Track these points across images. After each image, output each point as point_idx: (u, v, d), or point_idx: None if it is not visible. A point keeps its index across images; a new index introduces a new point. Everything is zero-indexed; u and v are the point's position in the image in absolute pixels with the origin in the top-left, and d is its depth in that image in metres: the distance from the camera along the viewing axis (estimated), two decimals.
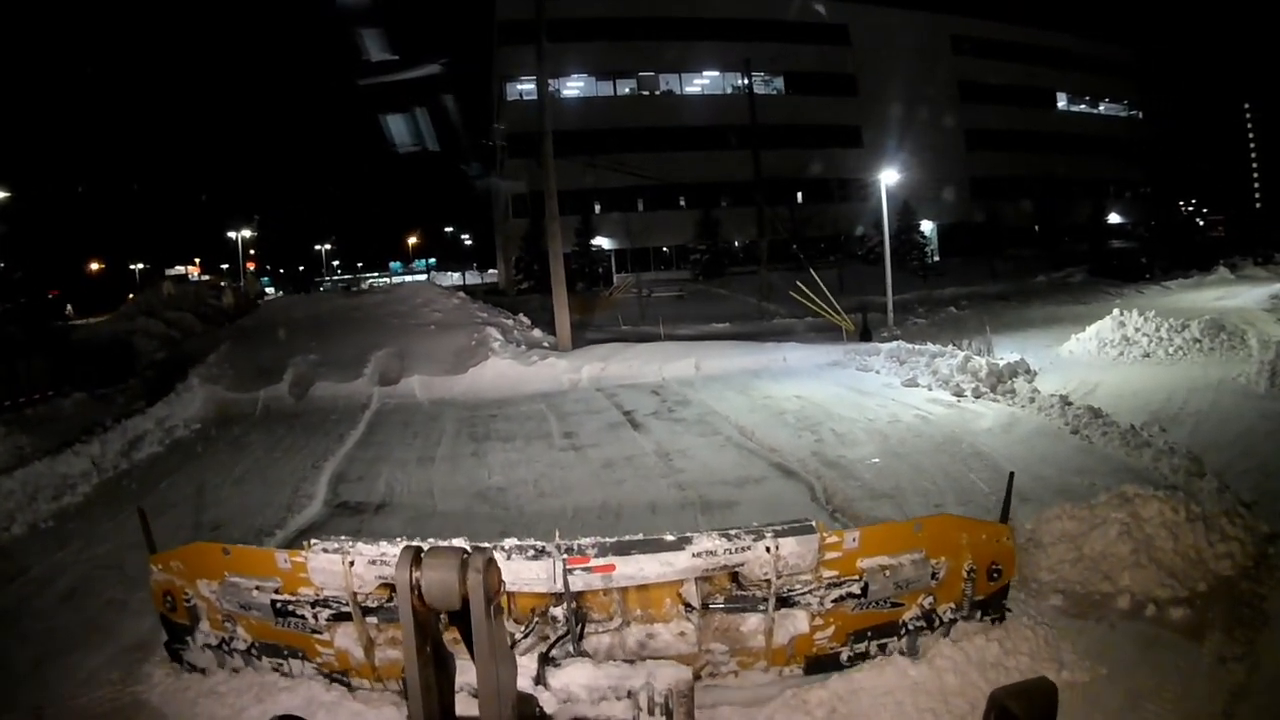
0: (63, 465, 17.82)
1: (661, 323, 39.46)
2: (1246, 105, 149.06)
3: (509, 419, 21.90)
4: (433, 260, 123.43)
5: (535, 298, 48.78)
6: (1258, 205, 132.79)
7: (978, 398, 19.81)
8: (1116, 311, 27.08)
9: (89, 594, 11.08)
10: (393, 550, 7.20)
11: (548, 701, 4.73)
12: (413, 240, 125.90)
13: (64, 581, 11.61)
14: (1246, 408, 17.45)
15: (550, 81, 72.20)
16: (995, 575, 7.46)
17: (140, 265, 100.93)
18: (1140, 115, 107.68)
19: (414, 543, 4.35)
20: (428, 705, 2.47)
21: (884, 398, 20.78)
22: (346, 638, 7.58)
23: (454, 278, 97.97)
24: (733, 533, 7.07)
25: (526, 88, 73.73)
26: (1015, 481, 10.26)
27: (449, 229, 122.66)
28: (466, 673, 2.54)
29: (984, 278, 60.78)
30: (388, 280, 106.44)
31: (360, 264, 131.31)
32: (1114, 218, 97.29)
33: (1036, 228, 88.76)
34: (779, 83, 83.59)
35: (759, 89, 76.52)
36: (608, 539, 7.28)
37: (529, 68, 65.80)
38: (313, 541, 7.64)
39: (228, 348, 31.82)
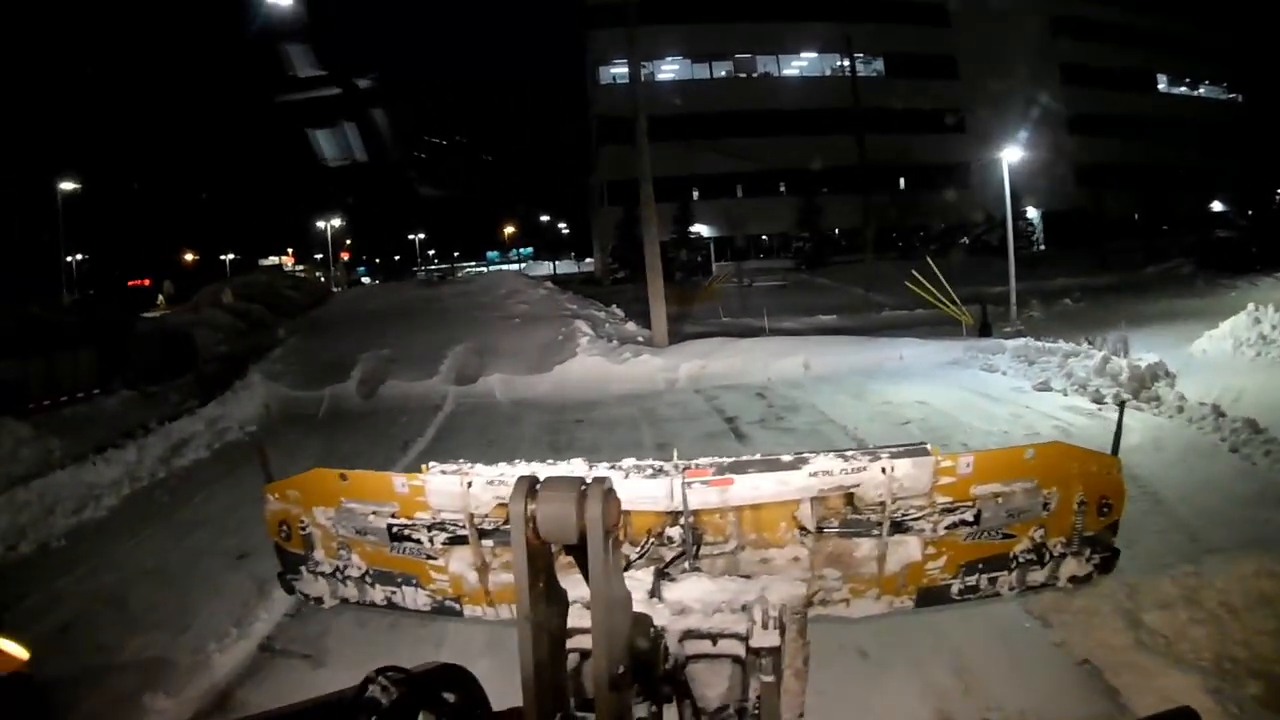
0: (90, 473, 16.97)
1: (765, 315, 38.28)
2: None
3: (595, 425, 20.88)
4: (529, 249, 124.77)
5: (630, 288, 47.76)
6: None
7: (1119, 404, 17.54)
8: (1251, 307, 24.97)
9: (79, 637, 10.28)
10: (511, 471, 6.83)
11: (661, 613, 4.17)
12: (509, 229, 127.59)
13: (56, 616, 10.82)
14: None
15: (644, 64, 72.35)
16: (1105, 510, 6.70)
17: (231, 255, 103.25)
18: (1239, 99, 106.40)
19: (529, 471, 5.33)
20: (537, 640, 2.47)
21: (1016, 404, 19.07)
22: (461, 562, 7.15)
23: (549, 266, 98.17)
24: (849, 453, 6.50)
25: (619, 70, 73.59)
26: (1180, 516, 10.50)
27: (546, 217, 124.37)
28: (584, 588, 2.49)
29: (1091, 268, 59.09)
30: (484, 269, 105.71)
31: (456, 253, 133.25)
32: (1218, 205, 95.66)
33: (1136, 216, 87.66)
34: (878, 64, 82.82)
35: (860, 70, 76.95)
36: (725, 459, 6.73)
37: (621, 50, 65.85)
38: (431, 464, 7.07)
39: (295, 341, 31.43)
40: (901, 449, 6.60)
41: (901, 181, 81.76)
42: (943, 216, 78.11)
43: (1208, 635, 7.95)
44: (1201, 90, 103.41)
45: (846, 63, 77.90)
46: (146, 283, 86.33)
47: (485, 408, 23.44)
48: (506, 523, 6.18)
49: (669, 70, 77.85)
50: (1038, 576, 6.77)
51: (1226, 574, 8.71)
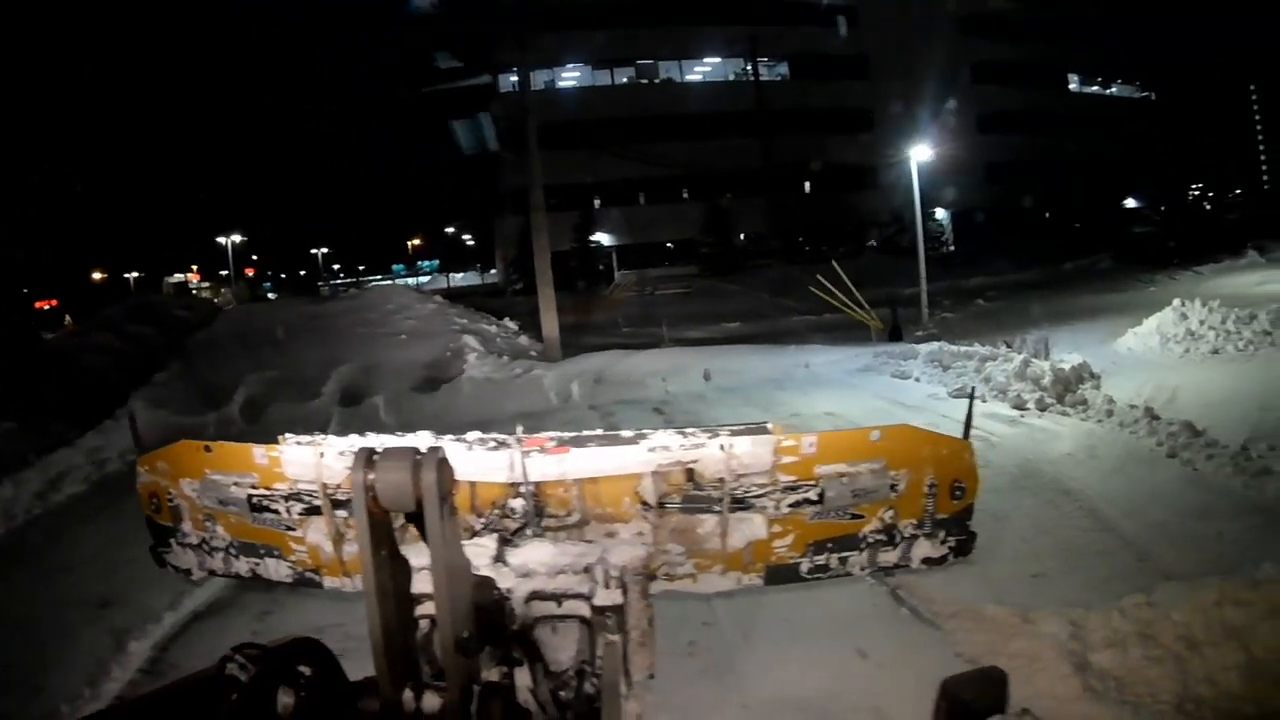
0: None
1: (666, 324, 37.84)
2: (1252, 86, 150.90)
3: None
4: (434, 262, 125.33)
5: (527, 300, 45.81)
6: (1265, 187, 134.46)
7: (1043, 410, 17.21)
8: (1177, 302, 24.65)
9: None
10: (362, 442, 6.50)
11: (506, 577, 4.26)
12: (415, 242, 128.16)
13: None
14: None
15: (545, 71, 72.68)
16: (958, 493, 6.94)
17: (136, 274, 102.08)
18: (1151, 96, 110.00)
19: (368, 443, 5.93)
20: (384, 608, 2.53)
21: (933, 412, 17.66)
22: (318, 532, 6.95)
23: (456, 278, 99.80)
24: (689, 431, 6.62)
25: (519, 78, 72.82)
26: (1126, 533, 10.35)
27: (450, 229, 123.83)
28: (428, 557, 2.57)
29: (1007, 266, 59.88)
30: (390, 283, 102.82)
31: (362, 267, 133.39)
32: (1130, 202, 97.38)
33: (1047, 214, 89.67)
34: (783, 67, 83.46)
35: (764, 74, 78.60)
36: (566, 434, 6.75)
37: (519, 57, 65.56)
38: (288, 435, 6.93)
39: (180, 364, 30.54)
40: (742, 426, 6.84)
41: (809, 184, 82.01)
42: (852, 218, 79.09)
43: (1166, 675, 7.24)
44: (1114, 89, 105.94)
45: (751, 65, 79.33)
46: (54, 303, 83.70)
47: (371, 430, 21.60)
48: None
49: (570, 77, 78.22)
50: (890, 557, 7.02)
51: (1184, 603, 7.76)
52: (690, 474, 6.46)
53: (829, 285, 33.07)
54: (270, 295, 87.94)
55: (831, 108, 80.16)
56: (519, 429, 6.47)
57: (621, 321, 42.61)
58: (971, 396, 7.43)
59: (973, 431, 14.67)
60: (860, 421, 17.19)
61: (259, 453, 6.92)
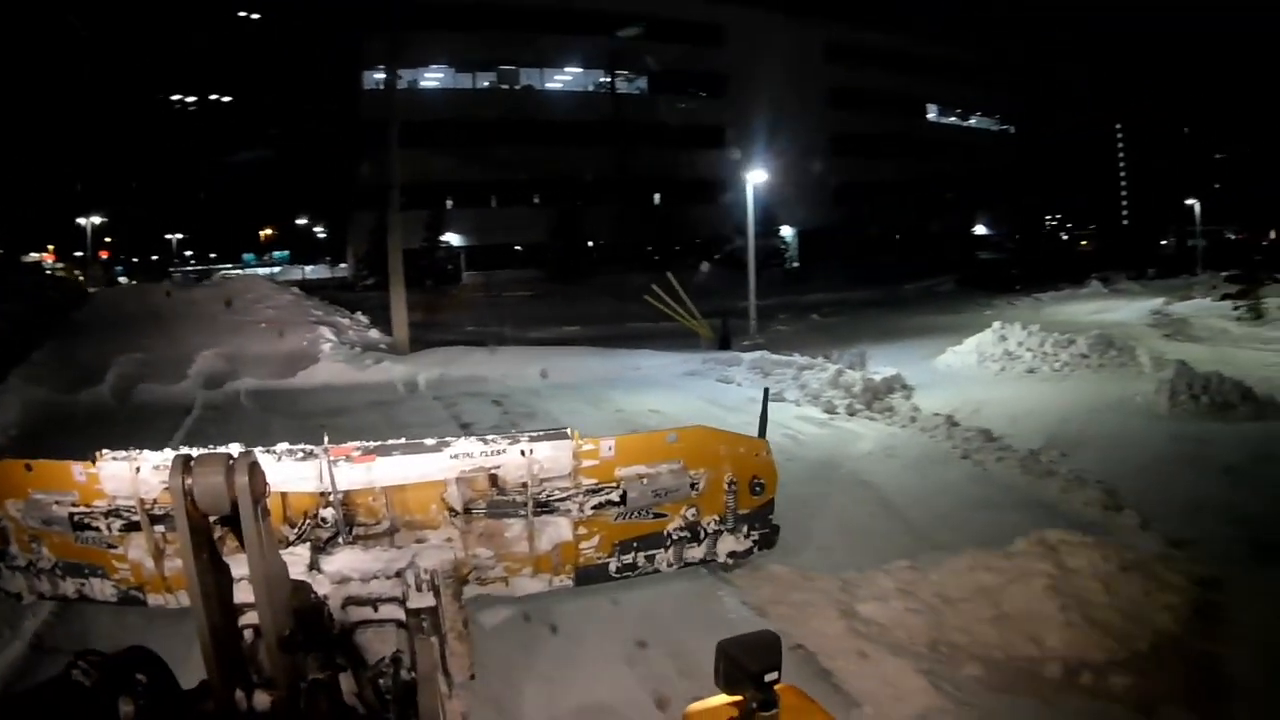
0: None
1: (510, 325, 39.20)
2: (1119, 125, 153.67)
3: (339, 430, 19.22)
4: (287, 253, 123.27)
5: (378, 295, 46.82)
6: (1125, 222, 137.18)
7: (852, 415, 18.75)
8: (997, 324, 26.44)
9: None
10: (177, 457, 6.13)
11: (322, 584, 4.64)
12: (267, 232, 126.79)
13: None
14: (1153, 430, 16.57)
15: (408, 71, 72.23)
16: (758, 489, 7.85)
17: None
18: (1011, 130, 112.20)
19: (183, 451, 5.33)
20: (209, 609, 2.66)
21: (749, 414, 18.19)
22: (138, 549, 7.50)
23: (307, 270, 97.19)
24: (490, 438, 7.33)
25: (382, 76, 72.51)
26: (910, 518, 11.16)
27: (302, 220, 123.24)
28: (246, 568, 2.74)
29: (850, 284, 60.78)
30: (240, 272, 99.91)
31: (213, 255, 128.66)
32: (981, 229, 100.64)
33: (897, 236, 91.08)
34: (643, 82, 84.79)
35: (624, 86, 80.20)
36: (371, 442, 7.32)
37: (384, 56, 65.53)
38: (104, 450, 7.37)
39: (54, 344, 30.76)
40: (541, 432, 7.45)
41: (660, 196, 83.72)
42: (700, 231, 79.63)
43: (923, 623, 8.27)
44: (973, 120, 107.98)
45: (611, 78, 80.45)
46: None
47: (233, 412, 22.78)
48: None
49: (433, 78, 78.09)
50: (695, 553, 7.82)
51: (942, 567, 9.05)
52: (494, 479, 7.26)
53: (663, 295, 34.24)
54: (121, 279, 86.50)
55: (686, 124, 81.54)
56: (325, 438, 7.05)
57: (467, 320, 43.30)
58: (766, 397, 8.71)
59: (783, 430, 16.64)
60: (682, 418, 18.41)
61: (78, 469, 7.50)
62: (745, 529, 7.91)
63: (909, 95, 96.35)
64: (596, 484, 7.35)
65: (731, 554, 7.91)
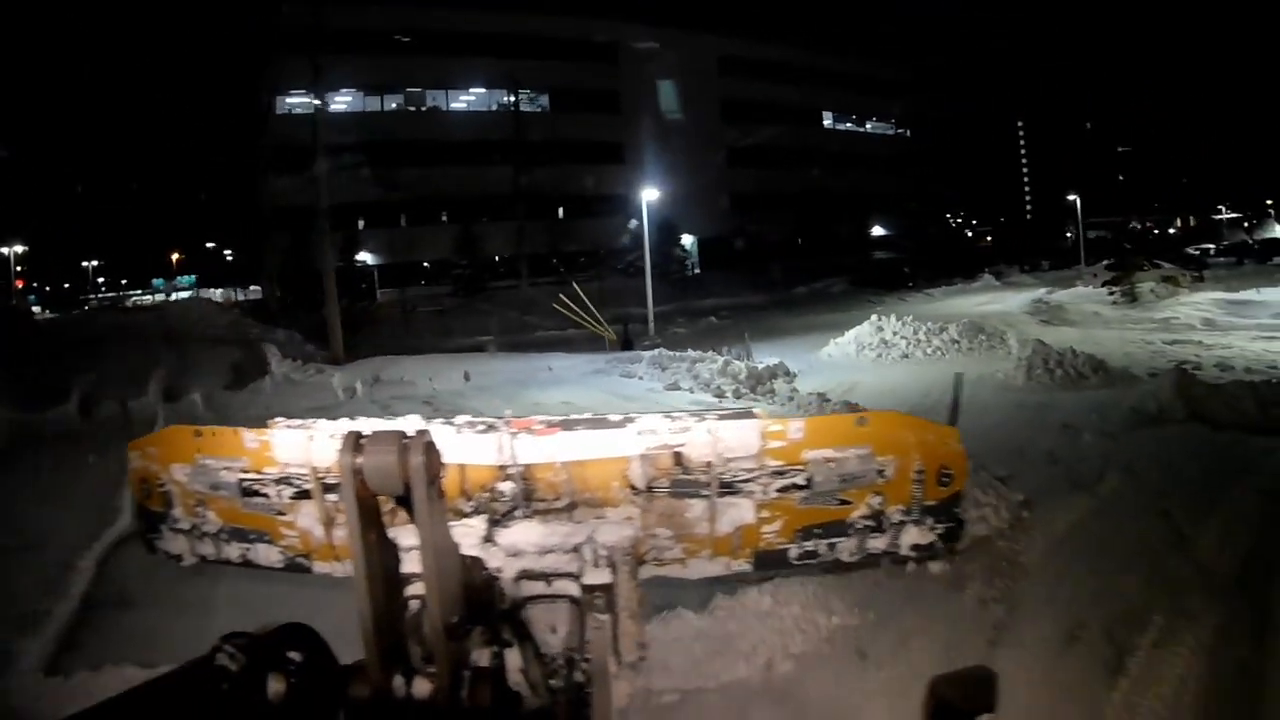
0: None
1: (426, 337, 41.23)
2: (1020, 122, 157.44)
3: None
4: (193, 277, 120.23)
5: (300, 314, 49.17)
6: (1029, 217, 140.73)
7: (738, 398, 21.06)
8: (874, 317, 29.03)
9: None
10: (352, 427, 5.43)
11: (495, 556, 4.42)
12: (175, 256, 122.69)
13: None
14: (1004, 399, 19.06)
15: (318, 97, 72.85)
16: (945, 480, 7.24)
17: None
18: (907, 133, 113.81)
19: (356, 427, 4.78)
20: (373, 590, 2.53)
21: (648, 401, 21.75)
22: (308, 517, 7.51)
23: (214, 294, 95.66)
24: (676, 415, 7.07)
25: (295, 101, 73.39)
26: None
27: (211, 244, 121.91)
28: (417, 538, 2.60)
29: (744, 289, 63.17)
30: (151, 298, 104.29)
31: (125, 281, 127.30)
32: (879, 230, 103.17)
33: (800, 240, 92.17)
34: (544, 100, 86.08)
35: (525, 105, 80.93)
36: (555, 417, 7.38)
37: (295, 79, 65.58)
38: (279, 419, 7.69)
39: (8, 368, 30.00)
40: (729, 412, 7.52)
41: (561, 210, 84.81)
42: (601, 243, 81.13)
43: None
44: (869, 126, 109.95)
45: (514, 97, 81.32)
46: None
47: (191, 421, 20.79)
48: None
49: (342, 101, 78.15)
50: (878, 544, 7.28)
51: None
52: (678, 458, 6.82)
53: (570, 303, 36.52)
54: (35, 309, 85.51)
55: (585, 140, 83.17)
56: (507, 411, 7.22)
57: (385, 335, 44.31)
58: (958, 384, 8.89)
59: (674, 409, 19.02)
60: (589, 408, 20.39)
61: (249, 437, 7.50)
62: (930, 521, 7.26)
63: (803, 105, 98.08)
64: (782, 466, 6.87)
65: (914, 547, 7.27)
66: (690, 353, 27.43)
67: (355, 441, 2.49)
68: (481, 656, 2.88)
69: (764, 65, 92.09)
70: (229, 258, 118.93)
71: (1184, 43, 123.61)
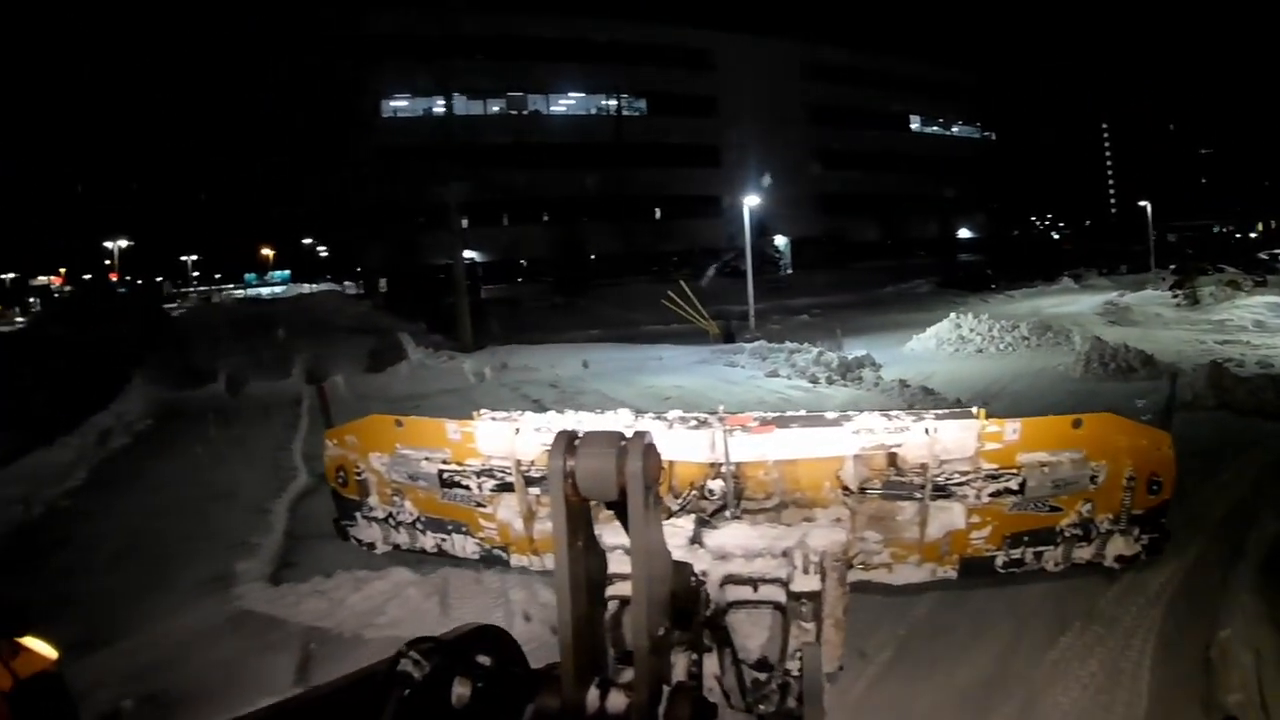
0: (56, 455, 18.46)
1: (536, 330, 42.07)
2: (1105, 125, 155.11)
3: (431, 408, 22.23)
4: (288, 272, 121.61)
5: (404, 307, 50.68)
6: (1114, 219, 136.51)
7: (830, 384, 23.17)
8: (953, 315, 31.05)
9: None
10: (559, 420, 7.62)
11: (702, 559, 4.42)
12: (268, 252, 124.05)
13: (112, 544, 12.75)
14: (1060, 388, 21.22)
15: (423, 99, 74.82)
16: (1155, 488, 7.03)
17: (11, 275, 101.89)
18: (992, 136, 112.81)
19: (569, 425, 5.58)
20: (575, 599, 2.40)
21: (750, 386, 23.79)
22: (508, 509, 7.68)
23: (308, 289, 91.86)
24: (892, 413, 6.99)
25: (399, 104, 77.14)
26: None
27: (308, 240, 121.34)
28: (623, 535, 2.48)
29: (835, 289, 62.95)
30: (243, 291, 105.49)
31: (218, 275, 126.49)
32: (964, 232, 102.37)
33: (889, 241, 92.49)
34: (642, 104, 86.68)
35: (624, 109, 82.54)
36: (769, 414, 7.46)
37: (402, 85, 70.24)
38: (482, 411, 7.85)
39: (161, 351, 33.09)
40: (947, 412, 7.18)
41: (659, 211, 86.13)
42: (698, 243, 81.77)
43: None
44: (955, 129, 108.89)
45: (613, 101, 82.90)
46: None
47: (335, 400, 23.34)
48: None
49: (444, 105, 76.13)
50: (1084, 554, 7.12)
51: None
52: (893, 458, 6.76)
53: (678, 299, 38.44)
54: None
55: (681, 143, 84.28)
56: (721, 407, 7.03)
57: (496, 327, 45.00)
58: (1174, 384, 8.61)
59: (777, 394, 22.77)
60: (700, 391, 23.03)
61: (452, 428, 7.67)
62: (1136, 531, 7.11)
63: (891, 109, 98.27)
64: (996, 469, 6.78)
65: (1119, 558, 7.14)
66: (788, 344, 29.35)
67: (569, 442, 2.39)
68: (679, 664, 2.98)
69: (853, 71, 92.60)
70: (323, 254, 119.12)
71: (1269, 44, 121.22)
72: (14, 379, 28.32)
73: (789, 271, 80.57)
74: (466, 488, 7.69)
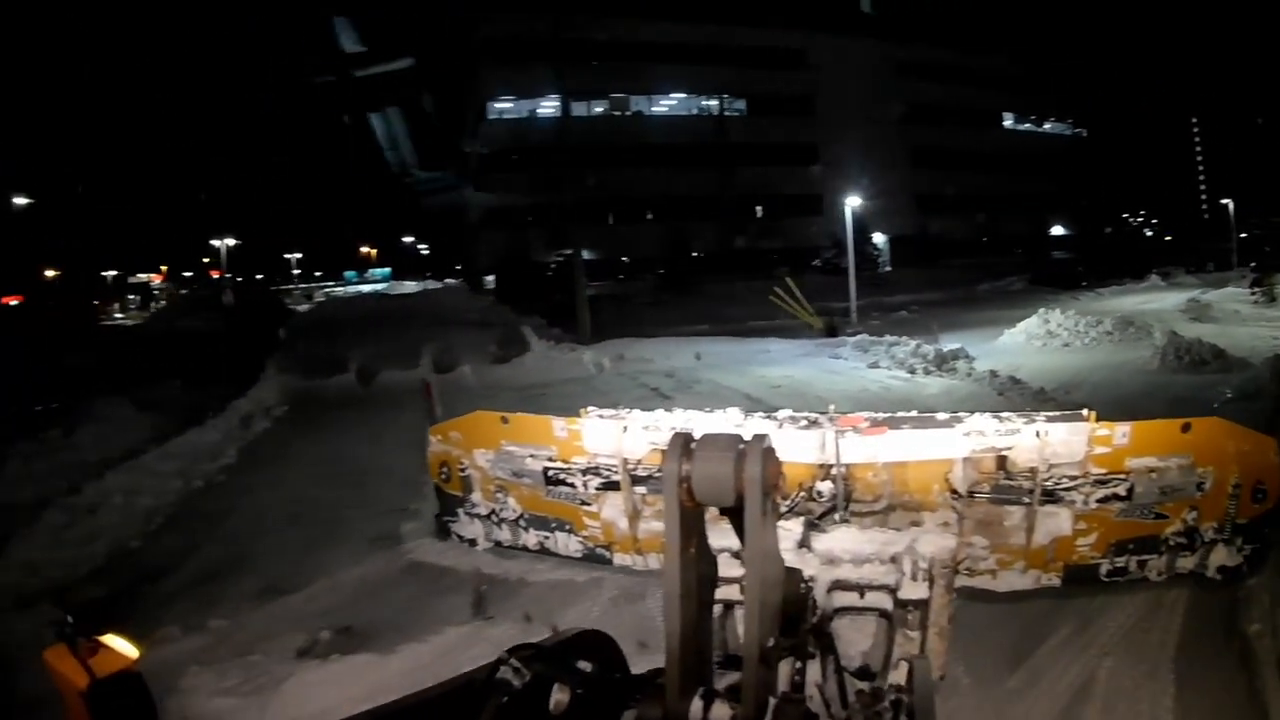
0: (205, 435, 19.56)
1: (645, 325, 42.39)
2: (1194, 120, 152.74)
3: (557, 395, 23.83)
4: (389, 270, 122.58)
5: (518, 304, 50.07)
6: (1205, 216, 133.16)
7: (927, 374, 24.51)
8: (1041, 310, 32.22)
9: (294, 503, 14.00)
10: (667, 419, 7.68)
11: (810, 563, 4.44)
12: (368, 250, 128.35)
13: (278, 511, 13.79)
14: (1136, 379, 22.39)
15: (526, 100, 76.70)
16: (1260, 496, 6.91)
17: (113, 272, 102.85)
18: (1083, 133, 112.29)
19: (685, 426, 5.71)
20: (685, 608, 2.34)
21: (852, 376, 25.28)
22: (613, 508, 7.78)
23: (408, 286, 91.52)
24: (1003, 415, 7.09)
25: (505, 106, 78.12)
26: None
27: (410, 238, 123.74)
28: (729, 538, 2.46)
29: (930, 286, 63.30)
30: (343, 289, 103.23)
31: (319, 272, 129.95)
32: (1057, 230, 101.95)
33: (984, 239, 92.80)
34: (742, 104, 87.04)
35: (723, 109, 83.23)
36: (878, 414, 7.46)
37: (508, 87, 71.39)
38: (590, 409, 8.03)
39: (289, 344, 34.68)
40: (1057, 414, 7.15)
41: (759, 209, 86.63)
42: (798, 241, 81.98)
43: None
44: (1047, 126, 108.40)
45: (713, 102, 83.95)
46: (19, 299, 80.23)
47: (463, 389, 25.47)
48: (660, 469, 4.62)
49: (549, 105, 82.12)
50: (1187, 563, 7.07)
51: None
52: (1002, 461, 6.84)
53: (783, 295, 39.99)
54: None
55: (782, 142, 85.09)
56: (831, 407, 7.11)
57: (607, 321, 44.04)
58: None
59: (878, 384, 24.72)
60: (807, 380, 24.54)
61: (559, 425, 7.86)
62: (1239, 541, 7.03)
63: (984, 106, 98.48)
64: (1105, 474, 6.82)
65: (1221, 568, 7.07)
66: (887, 338, 30.47)
67: (685, 445, 2.32)
68: (782, 673, 2.92)
69: (945, 68, 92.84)
70: (423, 251, 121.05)
71: None
72: (155, 367, 30.10)
73: (888, 269, 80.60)
74: (571, 485, 8.04)
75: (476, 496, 8.75)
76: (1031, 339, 30.81)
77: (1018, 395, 20.18)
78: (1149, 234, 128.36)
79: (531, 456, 8.15)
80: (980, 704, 6.50)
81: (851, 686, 3.50)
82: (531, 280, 61.86)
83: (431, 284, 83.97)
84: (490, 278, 74.27)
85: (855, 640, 3.99)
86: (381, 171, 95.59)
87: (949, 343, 28.81)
